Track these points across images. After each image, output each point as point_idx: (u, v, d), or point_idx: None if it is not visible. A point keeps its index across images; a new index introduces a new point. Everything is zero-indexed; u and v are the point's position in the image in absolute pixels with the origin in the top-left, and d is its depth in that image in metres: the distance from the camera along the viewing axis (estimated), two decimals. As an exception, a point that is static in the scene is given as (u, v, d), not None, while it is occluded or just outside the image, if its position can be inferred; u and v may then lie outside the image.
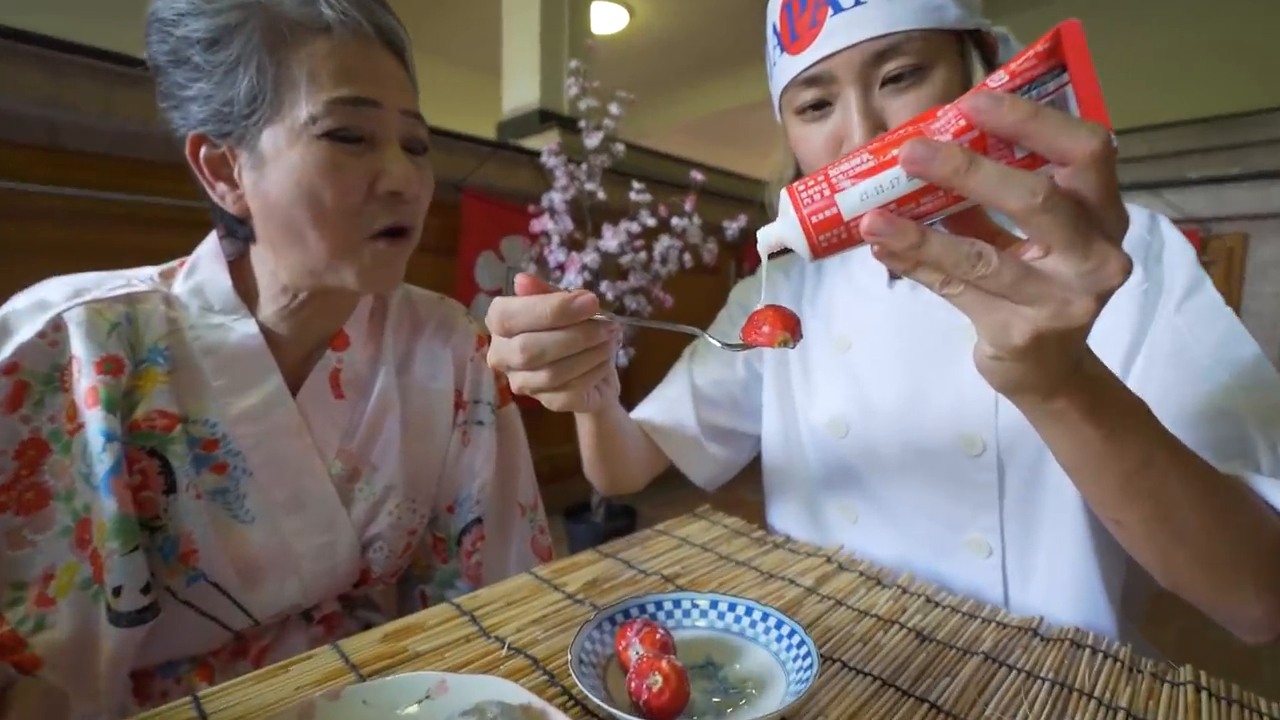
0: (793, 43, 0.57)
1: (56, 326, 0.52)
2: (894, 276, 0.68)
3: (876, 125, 0.55)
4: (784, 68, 0.59)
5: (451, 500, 0.73)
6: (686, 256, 1.77)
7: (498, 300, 0.43)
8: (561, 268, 1.69)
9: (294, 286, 0.59)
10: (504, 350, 0.42)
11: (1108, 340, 0.54)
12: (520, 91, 3.09)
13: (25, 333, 0.51)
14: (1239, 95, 4.07)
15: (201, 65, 0.52)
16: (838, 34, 0.53)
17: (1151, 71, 4.49)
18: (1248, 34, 4.26)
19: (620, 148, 1.77)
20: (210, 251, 0.61)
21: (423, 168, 0.59)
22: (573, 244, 1.74)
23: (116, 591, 0.51)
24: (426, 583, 0.74)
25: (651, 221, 1.73)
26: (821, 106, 0.58)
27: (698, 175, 1.82)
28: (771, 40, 0.61)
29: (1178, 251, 0.57)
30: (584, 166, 1.76)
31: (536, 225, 1.73)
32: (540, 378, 0.43)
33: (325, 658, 0.47)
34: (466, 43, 5.91)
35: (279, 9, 0.51)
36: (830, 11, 0.54)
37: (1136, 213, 0.59)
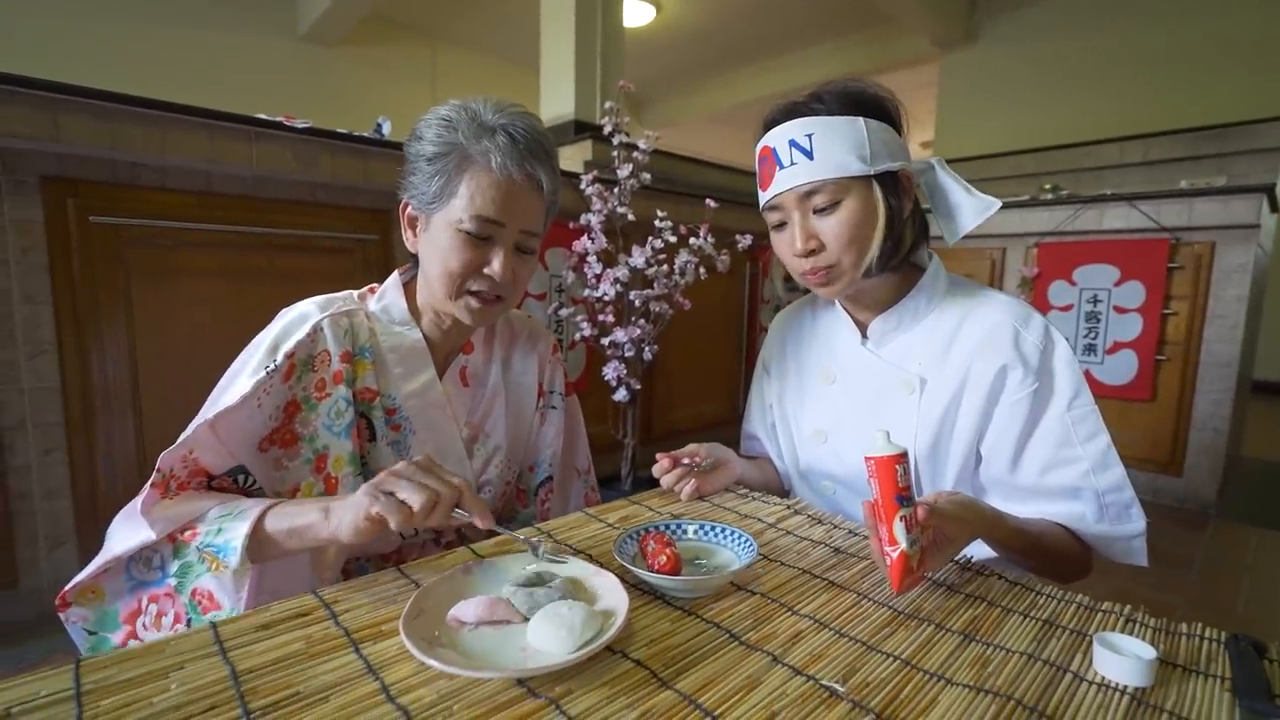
0: (762, 183, 0.89)
1: (316, 329, 0.83)
2: (865, 337, 0.97)
3: (810, 236, 0.85)
4: (761, 196, 0.90)
5: (532, 463, 1.04)
6: (702, 270, 2.07)
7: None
8: (598, 278, 2.01)
9: (438, 310, 0.90)
10: None
11: (1005, 433, 0.84)
12: (557, 104, 3.40)
13: (299, 334, 0.82)
14: (1227, 107, 4.19)
15: (423, 168, 0.83)
16: (782, 182, 0.84)
17: (1148, 81, 4.60)
18: (1237, 50, 4.35)
19: (647, 176, 2.08)
20: (393, 283, 0.92)
21: (527, 261, 0.88)
22: (607, 258, 2.05)
23: None
24: (510, 521, 1.05)
25: (673, 238, 2.04)
26: (781, 225, 0.89)
27: (711, 202, 2.12)
28: (756, 172, 0.91)
29: (1064, 358, 0.84)
30: (615, 190, 2.07)
31: (577, 245, 2.05)
32: None
33: (460, 553, 0.77)
34: (509, 38, 6.16)
35: (469, 149, 0.81)
36: (778, 168, 0.85)
37: (1034, 325, 0.86)
